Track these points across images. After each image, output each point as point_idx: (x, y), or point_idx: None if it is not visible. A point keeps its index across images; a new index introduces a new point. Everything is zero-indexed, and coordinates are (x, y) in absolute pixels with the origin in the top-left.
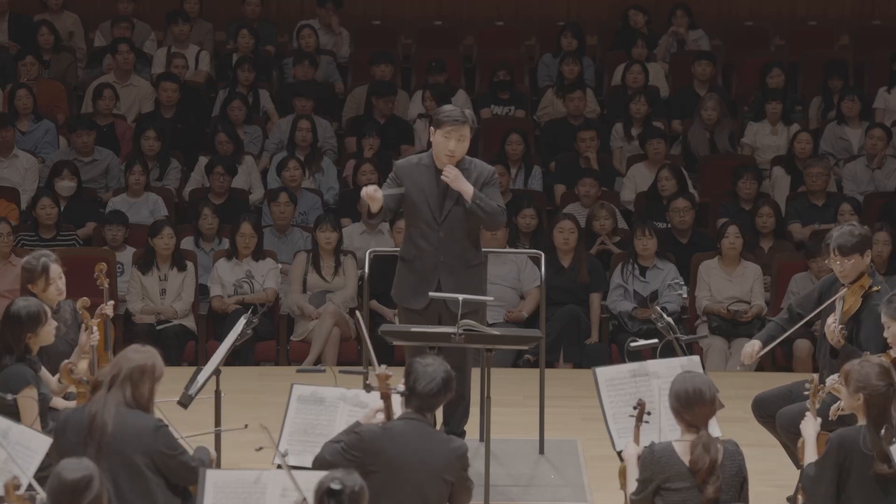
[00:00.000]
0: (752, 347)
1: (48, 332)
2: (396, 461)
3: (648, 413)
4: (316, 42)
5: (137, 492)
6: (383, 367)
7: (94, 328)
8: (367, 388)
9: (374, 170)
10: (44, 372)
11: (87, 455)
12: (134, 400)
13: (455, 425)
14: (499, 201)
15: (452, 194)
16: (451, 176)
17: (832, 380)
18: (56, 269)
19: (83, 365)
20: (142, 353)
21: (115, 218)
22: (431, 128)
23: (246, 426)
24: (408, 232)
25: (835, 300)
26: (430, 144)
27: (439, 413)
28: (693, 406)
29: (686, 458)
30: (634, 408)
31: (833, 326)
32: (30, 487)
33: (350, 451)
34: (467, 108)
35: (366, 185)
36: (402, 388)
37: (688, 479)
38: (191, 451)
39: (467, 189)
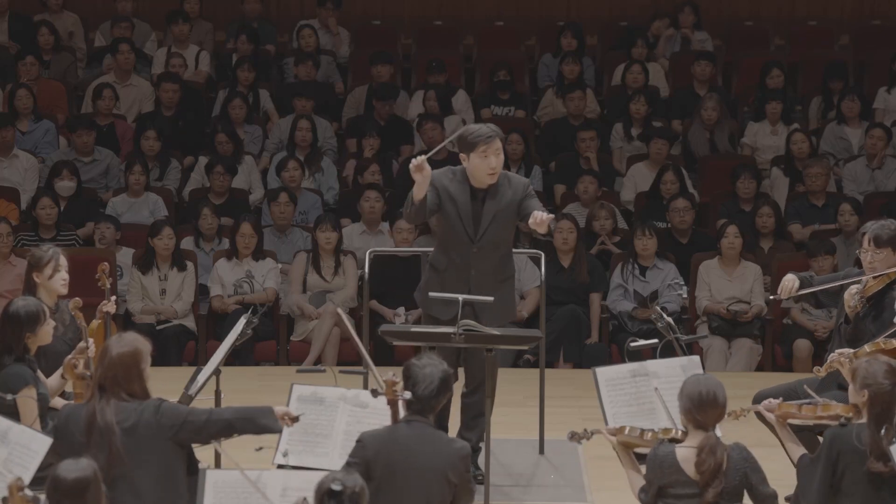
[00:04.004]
0: (793, 283)
1: (47, 332)
2: (400, 463)
3: None
4: (316, 42)
5: (156, 487)
6: (391, 373)
7: (91, 342)
8: (374, 393)
9: (378, 170)
10: (40, 372)
11: (96, 461)
12: (129, 395)
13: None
14: (539, 207)
15: (488, 214)
16: (542, 227)
17: (835, 355)
18: (64, 261)
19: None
20: (121, 344)
21: (105, 218)
22: (462, 154)
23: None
24: (441, 241)
25: (861, 279)
26: (430, 145)
27: (455, 422)
28: (706, 408)
29: (687, 466)
30: None
31: (854, 291)
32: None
33: (354, 458)
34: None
35: (369, 185)
36: (408, 395)
37: (687, 486)
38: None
39: (548, 220)
